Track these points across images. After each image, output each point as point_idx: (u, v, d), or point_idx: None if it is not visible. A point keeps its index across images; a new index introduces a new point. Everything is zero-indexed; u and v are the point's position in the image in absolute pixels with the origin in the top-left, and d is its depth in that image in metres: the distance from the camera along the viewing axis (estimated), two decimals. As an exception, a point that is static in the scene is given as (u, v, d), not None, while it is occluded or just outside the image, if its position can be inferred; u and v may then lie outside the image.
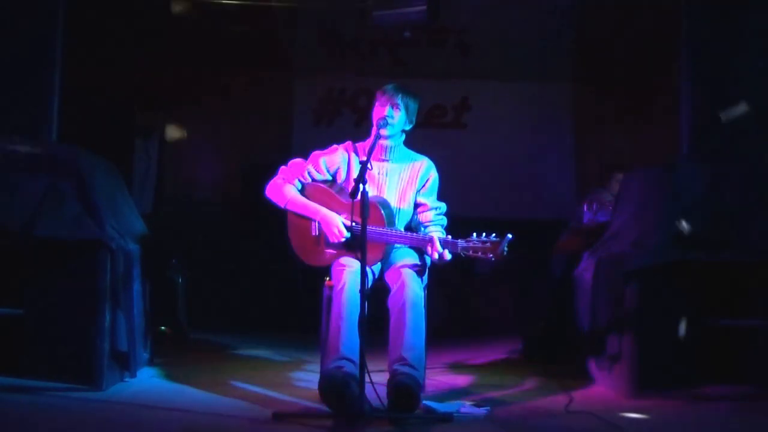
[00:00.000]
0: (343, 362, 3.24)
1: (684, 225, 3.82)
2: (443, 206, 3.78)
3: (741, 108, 3.84)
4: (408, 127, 3.75)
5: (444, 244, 3.42)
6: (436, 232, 3.62)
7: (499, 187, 7.16)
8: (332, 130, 7.17)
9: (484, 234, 3.35)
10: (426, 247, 3.45)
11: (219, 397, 3.60)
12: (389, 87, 3.69)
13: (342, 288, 3.37)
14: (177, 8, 6.16)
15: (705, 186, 4.00)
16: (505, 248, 3.29)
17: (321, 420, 3.19)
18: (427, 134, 6.98)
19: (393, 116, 3.64)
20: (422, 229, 3.72)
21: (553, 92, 7.37)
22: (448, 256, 3.41)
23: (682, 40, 4.56)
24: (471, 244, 3.35)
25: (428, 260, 3.70)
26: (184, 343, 5.38)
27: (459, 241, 3.39)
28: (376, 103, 3.69)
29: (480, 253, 3.33)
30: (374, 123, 3.66)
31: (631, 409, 3.46)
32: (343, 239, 3.55)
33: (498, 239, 3.31)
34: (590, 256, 4.35)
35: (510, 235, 3.29)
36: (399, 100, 3.65)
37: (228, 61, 7.05)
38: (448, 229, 3.73)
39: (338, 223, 3.56)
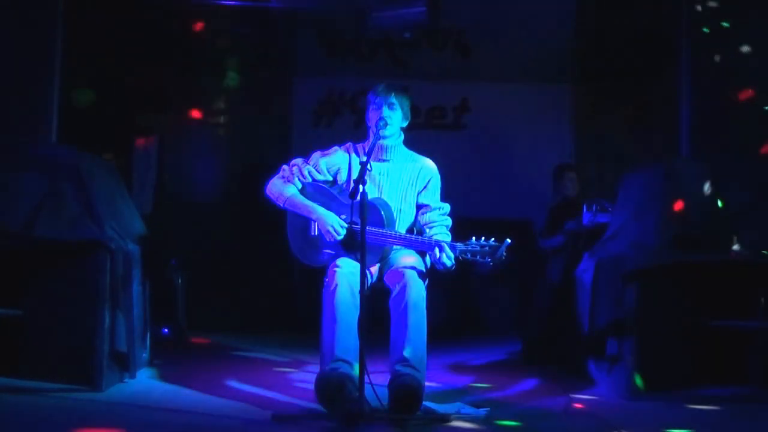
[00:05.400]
0: (338, 364, 3.23)
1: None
2: (446, 206, 3.76)
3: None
4: (404, 124, 3.75)
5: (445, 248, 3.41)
6: (440, 235, 3.60)
7: (498, 188, 7.15)
8: (332, 131, 7.17)
9: (483, 238, 3.35)
10: (433, 252, 3.42)
11: (218, 398, 3.60)
12: (380, 88, 3.68)
13: (335, 289, 3.36)
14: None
15: (704, 186, 4.00)
16: (504, 253, 3.28)
17: (320, 421, 3.18)
18: (427, 135, 6.98)
19: (391, 116, 3.64)
20: (426, 230, 3.69)
21: (553, 93, 7.36)
22: (452, 262, 3.38)
23: (682, 40, 4.57)
24: (470, 248, 3.35)
25: (428, 261, 3.69)
26: (183, 344, 5.37)
27: (458, 244, 3.39)
28: (371, 106, 3.69)
29: (478, 257, 3.33)
30: (372, 125, 3.66)
31: (631, 410, 3.46)
32: (338, 237, 3.54)
33: (497, 244, 3.30)
34: (590, 257, 4.35)
35: (509, 240, 3.28)
36: (393, 99, 3.65)
37: (228, 62, 7.05)
38: (451, 230, 3.72)
39: (334, 223, 3.55)
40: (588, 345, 4.21)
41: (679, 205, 3.85)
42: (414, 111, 7.63)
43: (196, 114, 7.14)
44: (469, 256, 3.34)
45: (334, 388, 3.14)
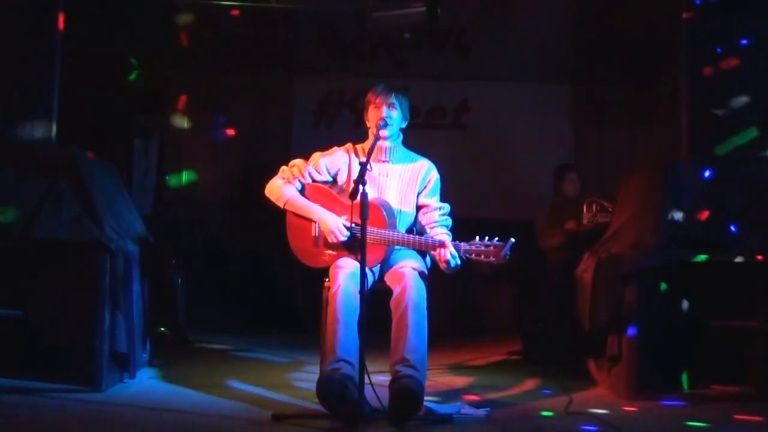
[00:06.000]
0: (340, 364, 3.23)
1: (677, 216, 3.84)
2: (447, 207, 3.76)
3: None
4: (404, 125, 3.75)
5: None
6: (442, 235, 3.60)
7: (498, 189, 7.15)
8: (332, 131, 7.17)
9: (486, 237, 3.35)
10: (437, 252, 3.42)
11: (218, 399, 3.60)
12: (381, 88, 3.68)
13: (338, 290, 3.36)
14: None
15: (705, 186, 4.00)
16: (508, 252, 3.29)
17: (320, 421, 3.18)
18: (427, 135, 6.98)
19: (391, 116, 3.64)
20: (427, 231, 3.69)
21: (553, 93, 7.36)
22: (457, 260, 3.39)
23: (681, 40, 4.57)
24: (474, 247, 3.36)
25: (429, 261, 3.69)
26: (184, 345, 5.37)
27: (462, 244, 3.39)
28: (370, 106, 3.69)
29: (482, 257, 3.33)
30: (372, 125, 3.66)
31: (631, 409, 3.46)
32: (343, 239, 3.54)
33: (501, 243, 3.31)
34: (590, 257, 4.35)
35: (513, 240, 3.29)
36: (393, 99, 3.65)
37: (228, 62, 7.05)
38: (450, 230, 3.72)
39: (338, 223, 3.55)
40: (588, 345, 4.21)
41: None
42: (414, 111, 7.69)
43: (196, 114, 7.15)
44: (473, 255, 3.35)
45: (336, 392, 3.13)
